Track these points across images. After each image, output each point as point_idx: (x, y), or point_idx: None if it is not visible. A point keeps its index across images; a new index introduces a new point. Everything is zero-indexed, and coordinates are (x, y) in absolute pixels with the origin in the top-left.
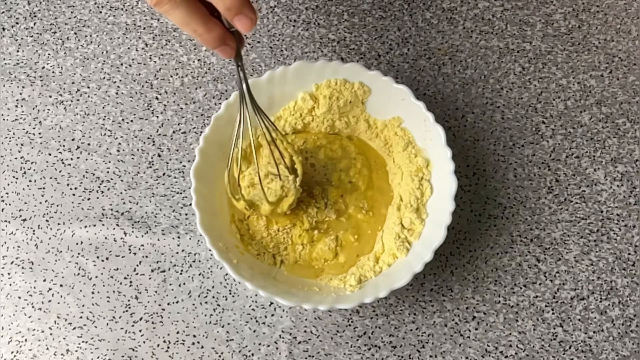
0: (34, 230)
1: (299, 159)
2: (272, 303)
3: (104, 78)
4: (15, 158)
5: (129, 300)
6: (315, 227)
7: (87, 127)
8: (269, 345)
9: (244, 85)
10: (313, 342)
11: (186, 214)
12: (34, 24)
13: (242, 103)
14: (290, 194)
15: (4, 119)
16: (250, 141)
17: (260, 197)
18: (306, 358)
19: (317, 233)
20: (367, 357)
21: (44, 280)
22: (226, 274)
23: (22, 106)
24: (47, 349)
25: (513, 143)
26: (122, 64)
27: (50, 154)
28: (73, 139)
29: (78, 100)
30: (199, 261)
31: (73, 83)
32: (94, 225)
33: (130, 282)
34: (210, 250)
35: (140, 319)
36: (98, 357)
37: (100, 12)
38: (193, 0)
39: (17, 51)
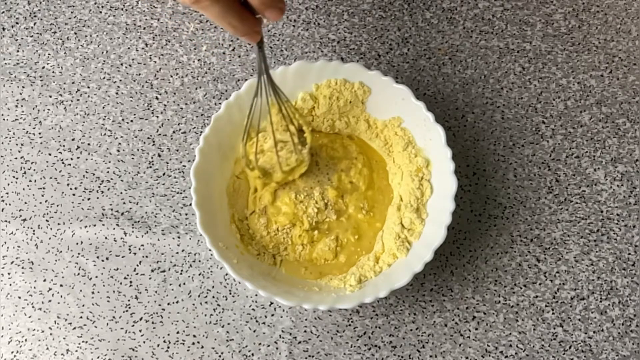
0: (34, 230)
1: (309, 129)
2: (272, 303)
3: (104, 78)
4: (15, 158)
5: (129, 300)
6: (315, 228)
7: (87, 127)
8: (269, 345)
9: (264, 64)
10: (313, 342)
11: (186, 214)
12: (34, 23)
13: (260, 79)
14: (301, 162)
15: (4, 119)
16: (259, 114)
17: (273, 165)
18: (306, 358)
19: (317, 233)
20: (367, 357)
21: (44, 280)
22: (226, 274)
23: (22, 106)
24: (47, 348)
25: (513, 143)
26: (122, 64)
27: (50, 154)
28: (73, 139)
29: (78, 100)
30: (199, 261)
31: (73, 83)
32: (94, 225)
33: (130, 282)
34: (210, 250)
35: (141, 319)
36: (98, 357)
37: (101, 12)
38: None
39: (17, 51)
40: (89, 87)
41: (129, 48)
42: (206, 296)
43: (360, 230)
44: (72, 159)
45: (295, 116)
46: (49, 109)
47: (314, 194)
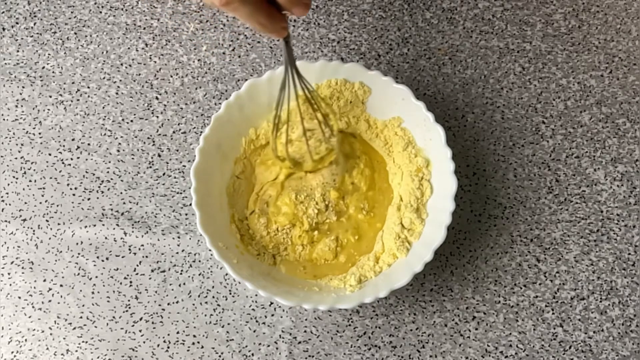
0: (34, 230)
1: (336, 117)
2: (272, 303)
3: (104, 78)
4: (15, 158)
5: (129, 300)
6: (315, 228)
7: (87, 127)
8: (269, 345)
9: (290, 59)
10: (313, 342)
11: (186, 214)
12: (34, 24)
13: (287, 72)
14: (331, 150)
15: (4, 119)
16: (287, 106)
17: (302, 155)
18: (306, 358)
19: (317, 234)
20: (367, 357)
21: (44, 280)
22: (226, 274)
23: (22, 106)
24: (47, 349)
25: (513, 143)
26: (122, 64)
27: (50, 154)
28: (73, 139)
29: (78, 100)
30: (199, 261)
31: (73, 83)
32: (94, 225)
33: (130, 282)
34: (210, 250)
35: (140, 319)
36: (98, 357)
37: (101, 12)
38: None
39: (17, 51)
40: (89, 87)
41: (129, 48)
42: (206, 296)
43: (360, 230)
44: (72, 159)
45: (322, 105)
46: (49, 109)
47: (315, 194)
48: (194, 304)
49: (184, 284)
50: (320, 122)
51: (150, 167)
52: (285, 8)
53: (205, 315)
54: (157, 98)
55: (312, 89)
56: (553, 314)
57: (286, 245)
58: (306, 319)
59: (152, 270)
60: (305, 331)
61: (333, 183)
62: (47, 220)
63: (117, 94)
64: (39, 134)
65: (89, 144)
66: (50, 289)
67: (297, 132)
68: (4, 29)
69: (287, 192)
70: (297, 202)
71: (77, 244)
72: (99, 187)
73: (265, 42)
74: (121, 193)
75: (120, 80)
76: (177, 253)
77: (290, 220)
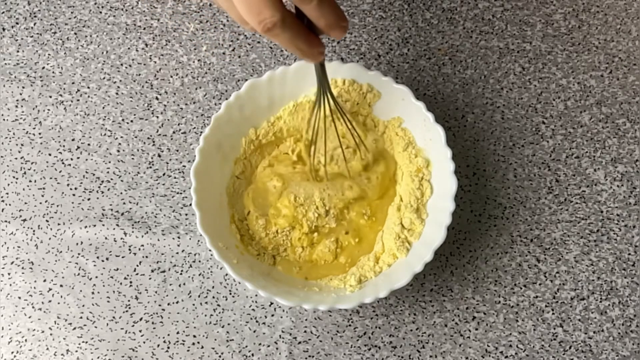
0: (34, 231)
1: (365, 133)
2: (272, 303)
3: (104, 78)
4: (16, 158)
5: (129, 301)
6: (315, 230)
7: (87, 128)
8: (269, 346)
9: (325, 81)
10: (313, 342)
11: (186, 214)
12: (34, 24)
13: (321, 95)
14: (367, 165)
15: (4, 119)
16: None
17: (340, 172)
18: (306, 358)
19: (316, 235)
20: (367, 358)
21: (44, 281)
22: (226, 274)
23: (22, 106)
24: (47, 349)
25: (513, 143)
26: (122, 64)
27: (50, 154)
28: (73, 139)
29: (78, 100)
30: (199, 261)
31: (73, 83)
32: (94, 226)
33: (131, 282)
34: (210, 250)
35: (140, 319)
36: (98, 358)
37: (101, 12)
38: (295, 20)
39: (17, 51)
40: (89, 88)
41: (129, 48)
42: (206, 296)
43: (361, 233)
44: (72, 159)
45: (354, 125)
46: (49, 109)
47: (315, 199)
48: (194, 304)
49: (184, 284)
50: (358, 143)
51: (150, 167)
52: (324, 32)
53: (205, 315)
54: (157, 98)
55: (345, 111)
56: (553, 314)
57: (285, 247)
58: (306, 319)
59: (152, 271)
60: (305, 331)
61: (341, 196)
62: (47, 221)
63: (117, 94)
64: (39, 134)
65: (89, 144)
66: (50, 289)
67: (330, 150)
68: (4, 29)
69: (285, 195)
70: (297, 205)
71: (77, 244)
72: (99, 187)
73: (265, 42)
74: (121, 193)
75: (120, 81)
76: (177, 253)
77: (290, 223)
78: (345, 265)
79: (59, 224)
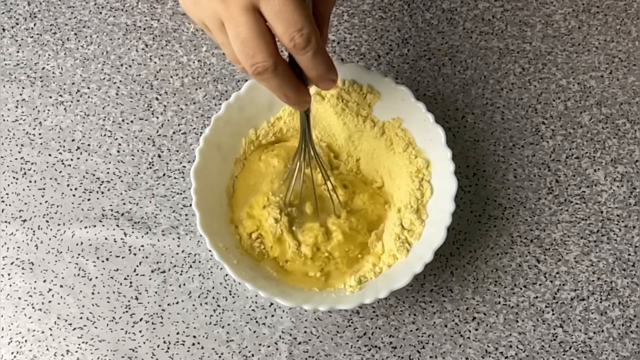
0: (34, 231)
1: (343, 190)
2: (272, 304)
3: (104, 79)
4: (16, 159)
5: (129, 301)
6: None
7: (87, 128)
8: (269, 346)
9: (308, 131)
10: (313, 342)
11: (186, 215)
12: (34, 24)
13: (303, 143)
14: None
15: (4, 120)
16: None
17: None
18: (306, 359)
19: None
20: (367, 358)
21: (44, 281)
22: (226, 275)
23: (22, 107)
24: (47, 349)
25: (513, 144)
26: (122, 65)
27: (50, 155)
28: (73, 140)
29: (78, 101)
30: (199, 262)
31: (73, 84)
32: (94, 226)
33: (131, 282)
34: (210, 251)
35: (141, 319)
36: (98, 358)
37: (101, 12)
38: (287, 68)
39: (17, 52)
40: (89, 88)
41: (129, 49)
42: (206, 297)
43: (358, 241)
44: (72, 159)
45: (331, 178)
46: (49, 110)
47: (307, 212)
48: (194, 305)
49: (184, 284)
50: (331, 194)
51: (151, 167)
52: (314, 83)
53: (205, 315)
54: (157, 99)
55: (323, 162)
56: (553, 314)
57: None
58: (306, 320)
59: (152, 271)
60: (305, 332)
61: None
62: (47, 221)
63: (117, 94)
64: (39, 134)
65: (89, 145)
66: (50, 290)
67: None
68: (4, 30)
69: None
70: (267, 205)
71: (77, 244)
72: (99, 187)
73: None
74: (121, 194)
75: (121, 81)
76: (177, 254)
77: (257, 227)
78: (320, 279)
79: (59, 225)
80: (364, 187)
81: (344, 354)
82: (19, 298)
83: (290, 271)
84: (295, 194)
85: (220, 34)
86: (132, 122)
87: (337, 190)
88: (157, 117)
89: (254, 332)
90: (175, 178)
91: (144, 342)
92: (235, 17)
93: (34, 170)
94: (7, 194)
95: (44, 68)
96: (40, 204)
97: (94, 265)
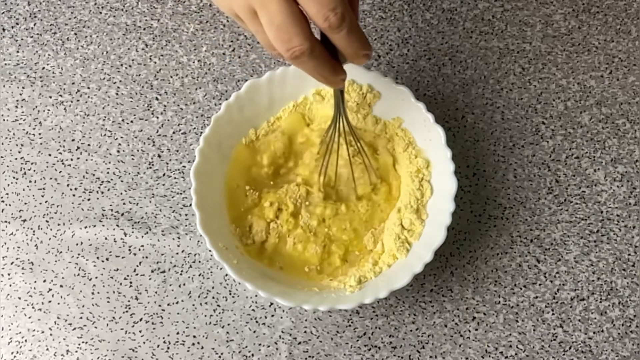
0: (34, 231)
1: (375, 159)
2: (272, 304)
3: (104, 79)
4: (15, 159)
5: (129, 301)
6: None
7: (87, 128)
8: (269, 346)
9: (342, 105)
10: (313, 342)
11: (186, 215)
12: (34, 24)
13: (338, 119)
14: (375, 186)
15: (4, 120)
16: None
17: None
18: (306, 358)
19: (312, 235)
20: (367, 358)
21: (44, 281)
22: (226, 275)
23: (22, 107)
24: (47, 349)
25: (513, 144)
26: (122, 65)
27: (50, 155)
28: (73, 140)
29: (78, 100)
30: (199, 262)
31: (73, 84)
32: (94, 226)
33: (130, 282)
34: (210, 250)
35: (140, 319)
36: (98, 358)
37: (101, 12)
38: (322, 49)
39: (17, 52)
40: (89, 88)
41: (129, 49)
42: (206, 297)
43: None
44: (72, 159)
45: (365, 150)
46: (49, 110)
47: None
48: (194, 305)
49: (184, 284)
50: (368, 167)
51: (150, 167)
52: (349, 60)
53: (205, 315)
54: (157, 99)
55: (358, 135)
56: (553, 314)
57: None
58: (306, 320)
59: (152, 271)
60: (305, 332)
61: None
62: (47, 221)
63: (117, 94)
64: (39, 134)
65: (89, 145)
66: (50, 290)
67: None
68: (4, 30)
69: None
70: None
71: (77, 244)
72: (99, 187)
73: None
74: (121, 194)
75: (120, 81)
76: (177, 254)
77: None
78: (346, 266)
79: (59, 225)
80: (388, 179)
81: (344, 354)
82: (19, 298)
83: (289, 264)
84: (331, 168)
85: (253, 22)
86: (132, 122)
87: (371, 161)
88: (157, 117)
89: (254, 332)
90: (175, 178)
91: (144, 342)
92: (267, 3)
93: (34, 170)
94: (7, 194)
95: (44, 68)
96: (40, 204)
97: (94, 265)
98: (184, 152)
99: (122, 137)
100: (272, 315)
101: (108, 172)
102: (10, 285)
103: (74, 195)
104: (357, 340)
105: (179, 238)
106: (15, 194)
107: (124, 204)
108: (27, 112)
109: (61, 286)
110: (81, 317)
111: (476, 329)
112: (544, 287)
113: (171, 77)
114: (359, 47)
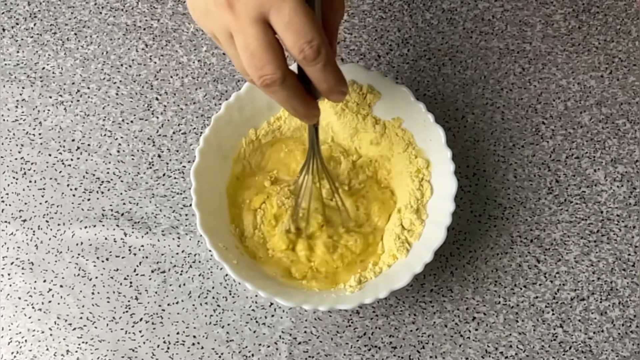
0: (34, 231)
1: (350, 200)
2: (272, 304)
3: (104, 79)
4: (16, 159)
5: (129, 301)
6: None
7: (87, 128)
8: (269, 346)
9: (316, 144)
10: (313, 342)
11: (186, 215)
12: (34, 24)
13: (311, 157)
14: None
15: (4, 120)
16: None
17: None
18: (306, 359)
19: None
20: (367, 358)
21: (44, 281)
22: (226, 275)
23: (22, 107)
24: (47, 349)
25: (513, 144)
26: (122, 65)
27: (50, 155)
28: (73, 140)
29: (78, 100)
30: (199, 262)
31: (73, 84)
32: (94, 226)
33: (131, 282)
34: (210, 250)
35: (140, 319)
36: (98, 358)
37: (101, 12)
38: (295, 81)
39: (17, 52)
40: (89, 88)
41: (129, 49)
42: (206, 297)
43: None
44: (72, 159)
45: (339, 191)
46: (49, 110)
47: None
48: (194, 305)
49: (184, 284)
50: (340, 207)
51: (150, 167)
52: (323, 95)
53: (205, 315)
54: (157, 99)
55: (331, 174)
56: (553, 314)
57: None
58: (306, 320)
59: (152, 271)
60: (305, 332)
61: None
62: (47, 221)
63: (117, 94)
64: (39, 134)
65: (89, 145)
66: (50, 290)
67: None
68: (4, 30)
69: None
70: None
71: (77, 244)
72: (99, 187)
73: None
74: (121, 194)
75: (121, 81)
76: (177, 254)
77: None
78: (346, 268)
79: (59, 225)
80: (374, 198)
81: (344, 354)
82: (19, 298)
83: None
84: (304, 205)
85: (229, 46)
86: (132, 122)
87: (346, 203)
88: (157, 117)
89: (254, 332)
90: (175, 178)
91: (144, 342)
92: (245, 28)
93: (34, 170)
94: (7, 194)
95: (44, 68)
96: (40, 204)
97: (94, 265)
98: (184, 152)
99: (122, 137)
100: (272, 315)
101: (108, 172)
102: (10, 285)
103: (74, 195)
104: (357, 341)
105: (179, 238)
106: (15, 194)
107: (124, 204)
108: (27, 112)
109: (61, 286)
110: (81, 317)
111: (476, 329)
112: (544, 287)
113: (171, 77)
114: (334, 83)
